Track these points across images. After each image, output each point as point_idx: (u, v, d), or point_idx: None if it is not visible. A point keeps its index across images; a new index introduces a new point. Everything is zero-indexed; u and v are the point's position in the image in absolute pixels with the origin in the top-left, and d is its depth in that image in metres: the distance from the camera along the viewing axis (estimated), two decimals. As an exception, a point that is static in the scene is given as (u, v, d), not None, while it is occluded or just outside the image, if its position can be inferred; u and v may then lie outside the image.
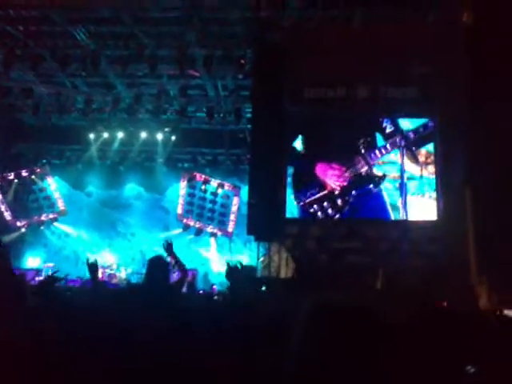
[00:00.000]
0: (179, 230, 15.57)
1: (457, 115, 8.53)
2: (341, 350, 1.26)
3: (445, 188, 9.24)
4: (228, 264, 3.49)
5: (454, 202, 8.90)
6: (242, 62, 11.03)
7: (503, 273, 7.38)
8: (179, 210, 15.30)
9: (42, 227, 15.96)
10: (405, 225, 10.34)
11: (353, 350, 1.26)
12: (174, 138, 14.75)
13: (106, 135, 15.03)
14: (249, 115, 12.75)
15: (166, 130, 14.65)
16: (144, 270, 13.25)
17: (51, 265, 14.87)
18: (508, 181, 7.88)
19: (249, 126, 12.81)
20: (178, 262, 4.40)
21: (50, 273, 13.58)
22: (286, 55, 9.80)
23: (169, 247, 4.43)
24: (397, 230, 10.37)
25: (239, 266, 3.35)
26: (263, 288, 7.80)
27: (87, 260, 4.46)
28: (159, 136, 14.77)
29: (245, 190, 13.84)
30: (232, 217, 14.89)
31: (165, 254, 4.31)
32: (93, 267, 5.29)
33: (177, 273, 4.58)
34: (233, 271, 3.24)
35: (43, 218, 15.84)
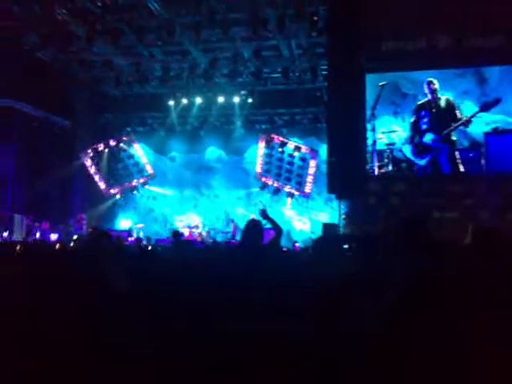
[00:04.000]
0: (258, 190, 15.91)
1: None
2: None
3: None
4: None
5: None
6: (315, 18, 10.72)
7: None
8: (258, 169, 15.52)
9: (134, 192, 16.83)
10: (493, 179, 9.92)
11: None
12: (250, 100, 14.81)
13: (185, 101, 15.41)
14: (325, 72, 12.48)
15: (243, 92, 14.71)
16: (228, 229, 13.73)
17: (141, 225, 15.86)
18: None
19: (325, 83, 12.55)
20: (273, 223, 4.64)
21: (140, 234, 14.61)
22: (361, 9, 9.42)
23: (263, 213, 4.70)
24: (483, 184, 9.98)
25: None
26: (345, 245, 7.85)
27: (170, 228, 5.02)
28: (236, 99, 14.89)
29: (324, 149, 13.73)
30: (309, 178, 14.88)
31: (260, 219, 4.56)
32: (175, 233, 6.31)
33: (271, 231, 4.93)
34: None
35: (134, 183, 16.72)
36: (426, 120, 11.60)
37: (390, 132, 12.19)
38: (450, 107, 11.31)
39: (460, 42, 8.72)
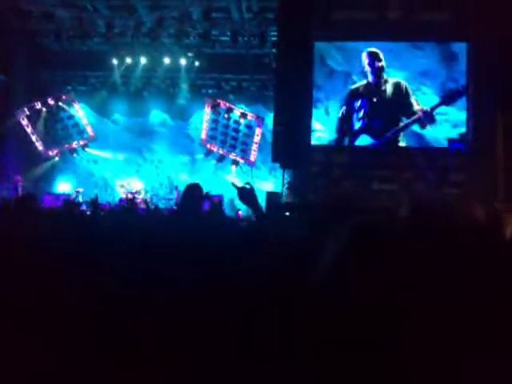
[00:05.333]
0: (202, 156, 15.79)
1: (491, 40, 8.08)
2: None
3: (476, 120, 8.85)
4: (234, 185, 3.09)
5: (484, 132, 8.59)
6: (267, -19, 10.54)
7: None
8: (203, 135, 15.36)
9: (73, 154, 16.21)
10: (431, 153, 10.17)
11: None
12: (197, 63, 14.48)
13: (129, 60, 14.85)
14: (274, 39, 12.35)
15: (190, 54, 14.35)
16: (171, 196, 13.59)
17: (81, 190, 15.35)
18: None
19: (274, 50, 12.43)
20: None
21: (80, 198, 14.17)
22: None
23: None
24: (422, 158, 10.19)
25: (247, 186, 3.03)
26: (287, 213, 7.97)
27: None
28: (182, 61, 14.51)
29: (270, 117, 13.70)
30: (254, 146, 14.87)
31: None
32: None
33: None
34: (242, 191, 3.03)
35: (74, 145, 16.09)
36: (361, 114, 8.50)
37: (306, 132, 8.43)
38: (401, 95, 8.20)
39: (408, 16, 8.74)
